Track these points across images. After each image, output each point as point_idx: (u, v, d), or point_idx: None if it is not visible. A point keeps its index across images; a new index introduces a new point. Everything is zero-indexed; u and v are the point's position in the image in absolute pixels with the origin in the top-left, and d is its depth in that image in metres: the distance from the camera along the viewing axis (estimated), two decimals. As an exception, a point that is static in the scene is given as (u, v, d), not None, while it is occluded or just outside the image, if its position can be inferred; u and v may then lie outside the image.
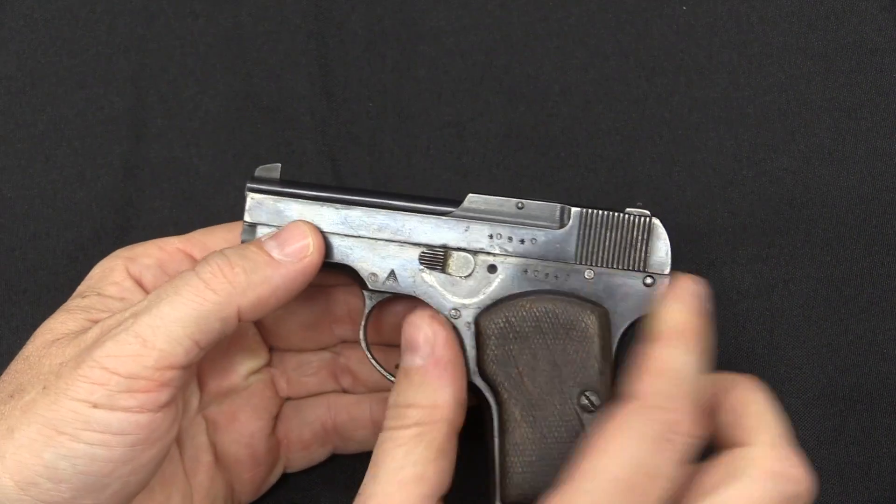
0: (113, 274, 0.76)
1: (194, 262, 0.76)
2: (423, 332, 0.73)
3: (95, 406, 0.69)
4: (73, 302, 0.75)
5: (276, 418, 0.83)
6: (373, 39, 0.91)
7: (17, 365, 0.72)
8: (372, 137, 0.90)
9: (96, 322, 0.73)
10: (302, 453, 0.84)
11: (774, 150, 0.90)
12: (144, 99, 0.90)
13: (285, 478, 0.85)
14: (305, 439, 0.83)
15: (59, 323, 0.73)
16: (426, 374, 0.72)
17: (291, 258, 0.73)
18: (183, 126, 0.90)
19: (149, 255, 0.76)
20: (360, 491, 0.69)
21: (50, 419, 0.68)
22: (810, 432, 0.87)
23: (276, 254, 0.73)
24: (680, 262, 0.87)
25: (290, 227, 0.74)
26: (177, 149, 0.90)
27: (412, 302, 0.76)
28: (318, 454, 0.84)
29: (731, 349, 0.87)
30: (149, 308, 0.70)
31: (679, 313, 0.70)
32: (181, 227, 0.87)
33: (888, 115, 0.90)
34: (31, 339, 0.74)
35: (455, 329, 0.75)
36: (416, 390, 0.71)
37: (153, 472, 0.72)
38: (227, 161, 0.90)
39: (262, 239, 0.74)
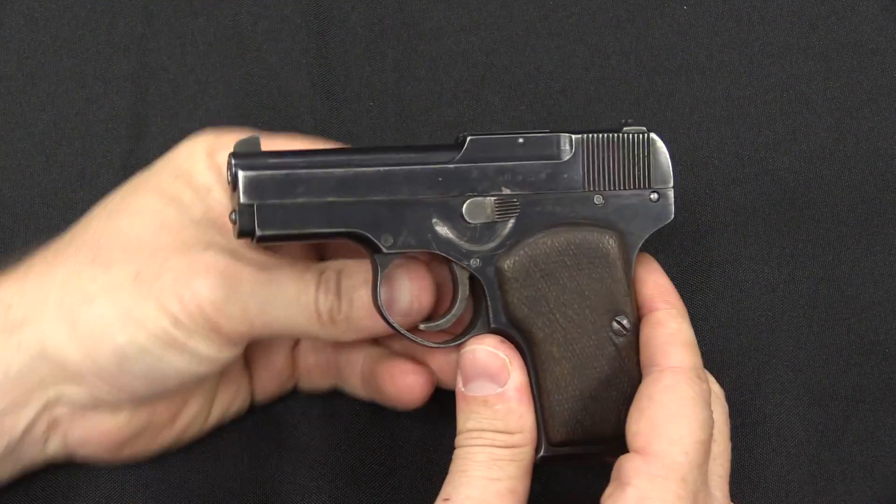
0: (200, 160, 0.75)
1: None
2: (497, 358, 0.73)
3: (177, 325, 0.71)
4: (163, 179, 0.76)
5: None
6: (373, 39, 0.91)
7: (108, 232, 0.74)
8: (373, 137, 0.90)
9: (188, 214, 0.74)
10: (306, 376, 0.84)
11: (776, 150, 0.90)
12: (144, 98, 0.90)
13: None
14: (309, 365, 0.84)
15: (157, 207, 0.74)
16: (508, 400, 0.72)
17: (394, 317, 0.74)
18: (183, 125, 0.89)
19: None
20: (449, 494, 0.70)
21: (133, 309, 0.71)
22: (813, 432, 0.87)
23: (382, 300, 0.74)
24: (682, 260, 0.87)
25: (404, 283, 0.75)
26: (177, 148, 0.90)
27: (428, 258, 0.76)
28: (320, 383, 0.85)
29: (732, 348, 0.87)
30: (269, 287, 0.73)
31: (672, 288, 0.75)
32: (182, 225, 0.87)
33: (889, 114, 0.90)
34: (125, 211, 0.75)
35: (476, 278, 0.74)
36: (503, 418, 0.72)
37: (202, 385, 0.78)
38: (228, 160, 0.90)
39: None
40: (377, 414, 0.85)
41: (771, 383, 0.87)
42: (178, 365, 0.73)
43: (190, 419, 0.81)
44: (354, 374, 0.82)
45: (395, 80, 0.90)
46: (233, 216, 0.72)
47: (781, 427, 0.87)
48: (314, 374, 0.84)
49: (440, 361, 0.80)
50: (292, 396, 0.86)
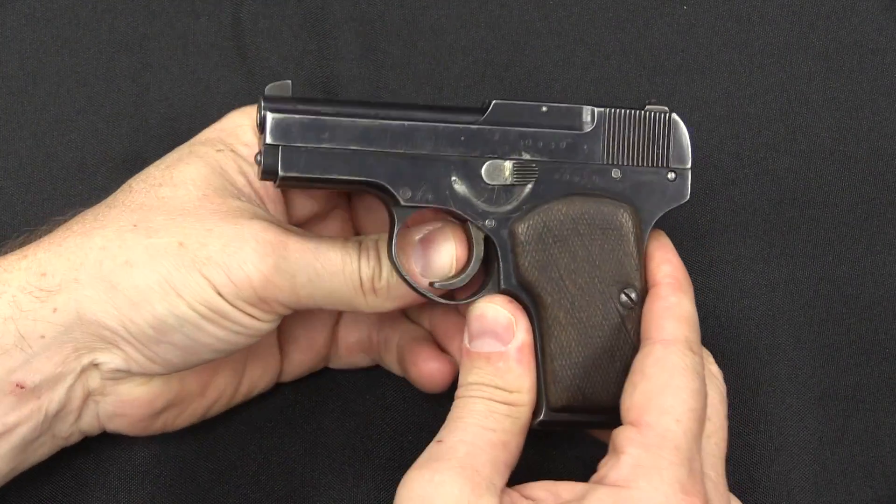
0: (246, 134, 0.77)
1: None
2: (503, 317, 0.74)
3: (220, 294, 0.71)
4: (208, 151, 0.76)
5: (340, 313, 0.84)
6: (374, 35, 0.91)
7: (149, 201, 0.74)
8: None
9: (232, 184, 0.75)
10: (345, 354, 0.85)
11: (776, 150, 0.90)
12: (145, 97, 0.90)
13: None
14: (350, 343, 0.85)
15: (202, 176, 0.75)
16: (509, 359, 0.73)
17: (430, 279, 0.75)
18: (184, 124, 0.89)
19: None
20: (444, 437, 0.71)
21: (175, 279, 0.71)
22: (813, 432, 0.86)
23: (419, 270, 0.75)
24: (682, 260, 0.87)
25: (443, 246, 0.75)
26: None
27: (442, 215, 0.76)
28: (359, 360, 0.86)
29: (732, 348, 0.87)
30: (316, 257, 0.73)
31: (680, 265, 0.76)
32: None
33: (889, 114, 0.90)
34: (168, 181, 0.75)
35: (490, 239, 0.75)
36: (502, 376, 0.73)
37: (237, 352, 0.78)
38: (228, 159, 0.90)
39: (416, 240, 0.75)
40: (389, 401, 0.87)
41: (771, 383, 0.87)
42: (216, 335, 0.73)
43: (219, 392, 0.81)
44: (391, 352, 0.84)
45: (394, 76, 0.90)
46: (257, 157, 0.73)
47: (782, 426, 0.87)
48: (354, 350, 0.85)
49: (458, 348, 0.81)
50: (303, 388, 0.87)
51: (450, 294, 0.77)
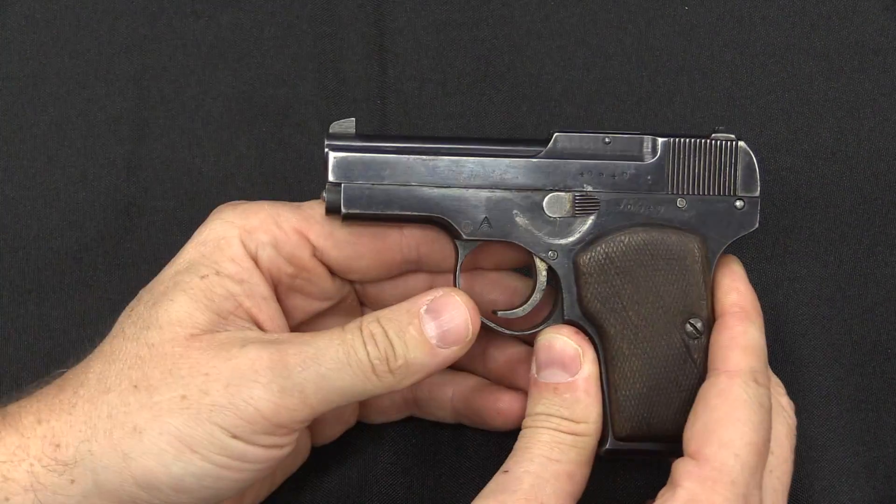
0: (230, 248, 0.75)
1: (309, 245, 0.76)
2: (571, 348, 0.74)
3: (235, 437, 0.70)
4: (192, 280, 0.73)
5: None
6: (377, 35, 0.91)
7: (141, 350, 0.72)
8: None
9: (218, 312, 0.73)
10: (378, 415, 0.85)
11: (777, 150, 0.90)
12: (146, 99, 0.90)
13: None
14: (384, 406, 0.84)
15: (186, 314, 0.72)
16: (577, 390, 0.73)
17: (451, 347, 0.73)
18: (185, 126, 0.89)
19: (266, 232, 0.75)
20: (509, 467, 0.72)
21: (185, 435, 0.69)
22: (816, 432, 0.86)
23: (435, 341, 0.73)
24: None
25: (454, 310, 0.73)
26: (179, 149, 0.89)
27: (506, 248, 0.77)
28: (394, 417, 0.85)
29: (735, 349, 0.87)
30: (317, 361, 0.71)
31: (749, 293, 0.75)
32: (185, 227, 0.86)
33: (891, 114, 0.90)
34: (154, 324, 0.72)
35: (553, 270, 0.75)
36: (569, 406, 0.73)
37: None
38: (230, 162, 0.89)
39: (422, 313, 0.73)
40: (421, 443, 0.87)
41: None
42: (236, 477, 0.71)
43: (255, 496, 0.80)
44: (440, 406, 0.83)
45: (397, 75, 0.90)
46: (323, 194, 0.75)
47: (784, 427, 0.87)
48: (390, 411, 0.84)
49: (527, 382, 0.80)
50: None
51: (507, 325, 0.78)
